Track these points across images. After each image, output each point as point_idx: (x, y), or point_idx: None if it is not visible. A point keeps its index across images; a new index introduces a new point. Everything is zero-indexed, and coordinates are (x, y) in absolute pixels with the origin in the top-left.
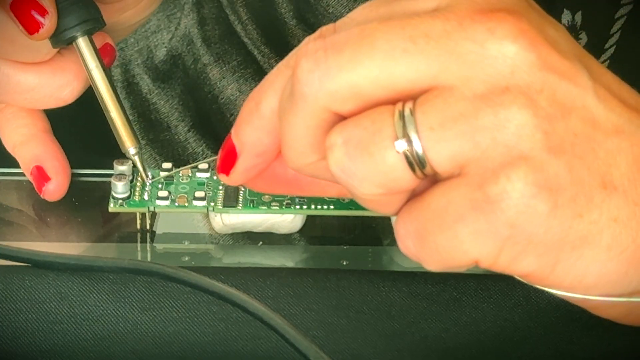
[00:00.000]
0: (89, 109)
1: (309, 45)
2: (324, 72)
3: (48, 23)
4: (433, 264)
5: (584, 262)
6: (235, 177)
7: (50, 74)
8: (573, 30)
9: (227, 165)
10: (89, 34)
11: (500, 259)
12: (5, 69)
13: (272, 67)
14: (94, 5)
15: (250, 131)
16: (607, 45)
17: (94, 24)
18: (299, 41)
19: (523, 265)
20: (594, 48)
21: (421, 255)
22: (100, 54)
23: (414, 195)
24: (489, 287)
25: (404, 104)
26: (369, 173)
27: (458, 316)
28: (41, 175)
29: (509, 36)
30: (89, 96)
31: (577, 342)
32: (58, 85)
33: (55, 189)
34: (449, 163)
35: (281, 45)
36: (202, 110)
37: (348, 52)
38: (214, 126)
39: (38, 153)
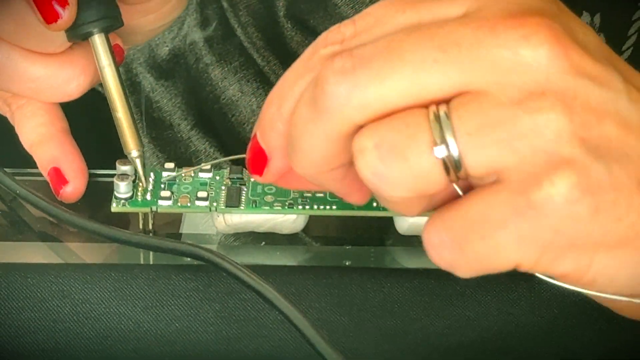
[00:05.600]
0: (90, 109)
1: (336, 61)
2: (351, 86)
3: (67, 15)
4: (469, 272)
5: (617, 263)
6: (269, 178)
7: (58, 66)
8: None
9: (259, 166)
10: (106, 31)
11: (540, 262)
12: (14, 55)
13: (272, 70)
14: (115, 4)
15: (277, 137)
16: (624, 47)
17: (112, 22)
18: (298, 44)
19: (561, 266)
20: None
21: (457, 263)
22: None
23: (440, 198)
24: (491, 280)
25: (437, 106)
26: (402, 177)
27: (461, 311)
28: (59, 177)
29: (544, 43)
30: (90, 96)
31: (580, 338)
32: (65, 78)
33: (72, 191)
34: (486, 169)
35: (280, 48)
36: (204, 109)
37: (376, 65)
38: (215, 126)
39: (56, 154)
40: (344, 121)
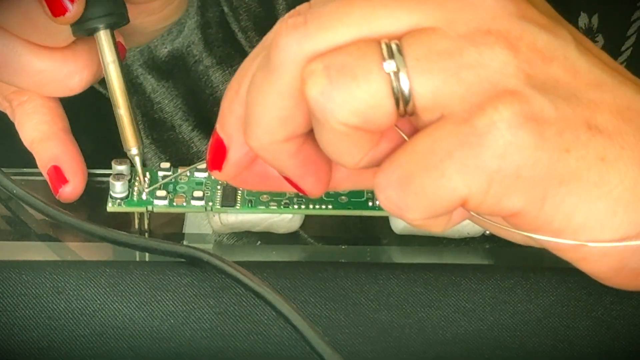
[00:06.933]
0: (87, 108)
1: (289, 20)
2: (302, 35)
3: (74, 9)
4: (417, 211)
5: (572, 199)
6: (228, 171)
7: (61, 60)
8: (590, 33)
9: (218, 160)
10: (112, 27)
11: (489, 194)
12: (19, 48)
13: None
14: (121, 1)
15: (235, 121)
16: (623, 48)
17: (118, 18)
18: None
19: (512, 201)
20: (611, 51)
21: (405, 202)
22: None
23: (384, 153)
24: (486, 270)
25: (389, 39)
26: (349, 97)
27: (456, 302)
28: (59, 176)
29: None
30: (88, 95)
31: (575, 327)
32: (68, 73)
33: (71, 191)
34: (433, 99)
35: None
36: (205, 111)
37: (327, 13)
38: None
39: (57, 153)
40: (296, 72)
